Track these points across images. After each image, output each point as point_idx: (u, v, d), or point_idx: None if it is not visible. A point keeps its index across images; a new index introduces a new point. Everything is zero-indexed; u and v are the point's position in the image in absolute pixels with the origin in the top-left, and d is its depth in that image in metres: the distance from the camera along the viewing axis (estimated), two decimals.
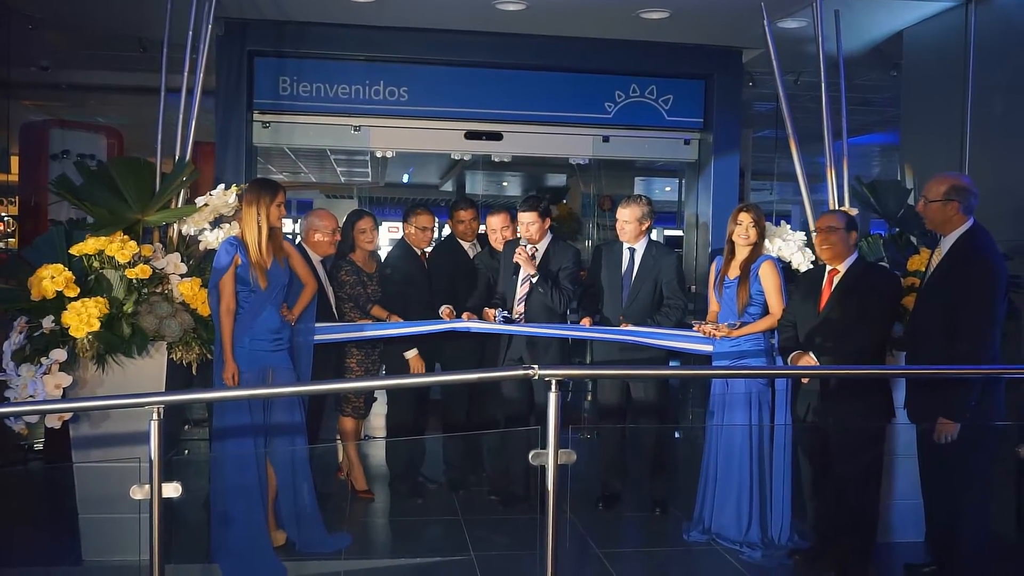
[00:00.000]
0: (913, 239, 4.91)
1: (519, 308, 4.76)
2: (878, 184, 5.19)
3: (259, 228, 3.97)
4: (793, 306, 4.22)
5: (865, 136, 10.64)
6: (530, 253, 4.74)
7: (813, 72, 5.28)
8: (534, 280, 4.67)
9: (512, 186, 12.55)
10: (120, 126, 7.55)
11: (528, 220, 4.74)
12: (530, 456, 2.77)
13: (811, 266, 4.64)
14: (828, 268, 4.08)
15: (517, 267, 4.75)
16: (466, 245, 5.28)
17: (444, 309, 4.81)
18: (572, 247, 4.97)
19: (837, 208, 4.75)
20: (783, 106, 4.97)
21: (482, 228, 5.34)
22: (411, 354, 4.91)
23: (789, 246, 4.70)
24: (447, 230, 5.48)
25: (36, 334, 3.88)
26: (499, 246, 5.03)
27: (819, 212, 4.84)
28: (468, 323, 4.66)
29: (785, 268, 4.60)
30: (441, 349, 5.09)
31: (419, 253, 5.13)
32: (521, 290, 4.77)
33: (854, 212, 4.68)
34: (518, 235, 4.94)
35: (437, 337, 4.92)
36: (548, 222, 4.85)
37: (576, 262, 4.84)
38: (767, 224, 4.55)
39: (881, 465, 4.08)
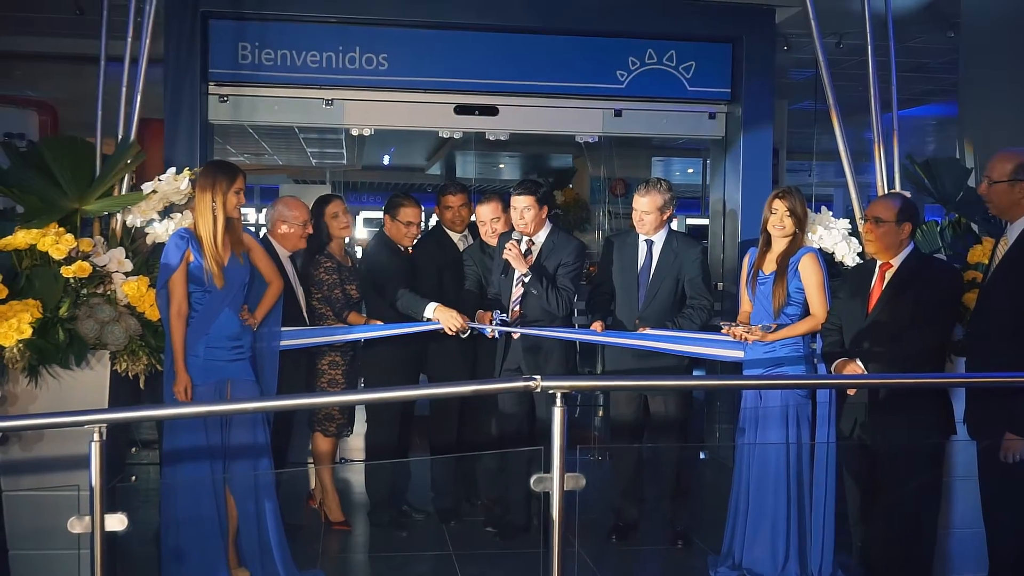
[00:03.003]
0: (974, 226, 4.92)
1: (516, 310, 4.76)
2: (933, 163, 5.20)
3: (214, 218, 3.97)
4: (839, 306, 4.23)
5: (918, 108, 10.66)
6: (524, 248, 4.74)
7: (858, 34, 5.29)
8: (526, 280, 4.67)
9: (509, 168, 12.58)
10: (54, 100, 7.56)
11: (523, 205, 4.72)
12: (532, 481, 2.78)
13: (857, 258, 4.64)
14: (879, 262, 4.09)
15: (503, 269, 4.76)
16: (455, 237, 5.27)
17: None
18: (575, 239, 4.97)
19: (891, 192, 4.75)
20: (823, 74, 4.97)
21: (473, 217, 5.33)
22: (431, 308, 4.75)
23: (832, 235, 4.71)
24: (434, 219, 5.47)
25: None
26: (491, 240, 5.02)
27: (865, 195, 4.86)
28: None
29: (828, 261, 4.61)
30: (426, 358, 5.10)
31: (402, 249, 5.13)
32: (516, 291, 4.77)
33: (907, 195, 4.69)
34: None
35: (421, 344, 4.94)
36: (546, 211, 4.84)
37: (579, 256, 4.84)
38: (806, 211, 4.55)
39: (940, 489, 4.08)
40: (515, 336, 4.73)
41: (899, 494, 3.92)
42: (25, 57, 8.13)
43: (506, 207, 5.02)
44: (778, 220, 4.40)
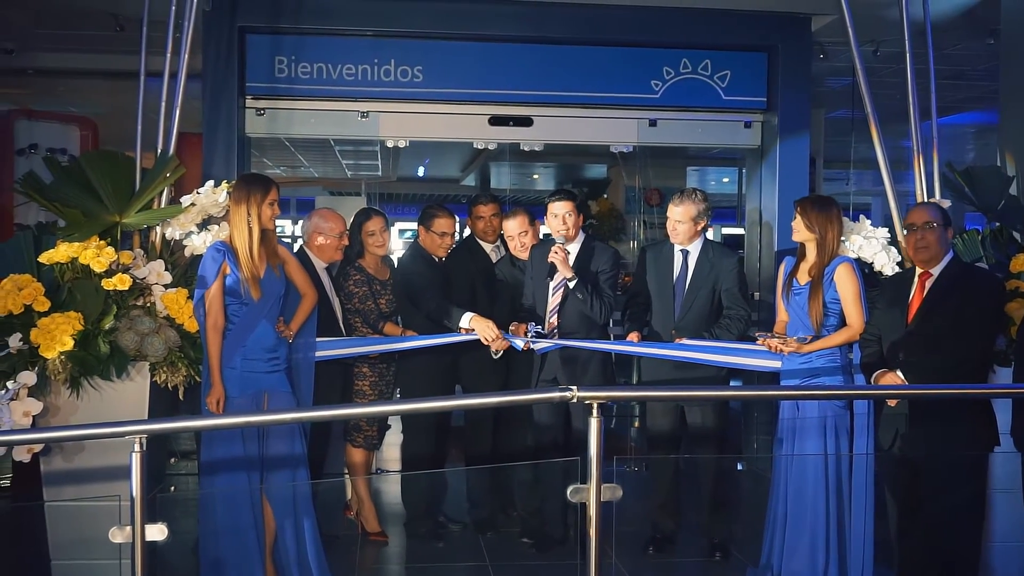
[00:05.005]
0: (1016, 235, 4.85)
1: (552, 321, 4.75)
2: (974, 171, 5.15)
3: (249, 231, 4.01)
4: (878, 317, 4.18)
5: (958, 115, 10.53)
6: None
7: (895, 41, 5.23)
8: (571, 285, 4.65)
9: (544, 179, 12.56)
10: (95, 116, 7.66)
11: (565, 211, 4.70)
12: (568, 492, 2.78)
13: (896, 269, 4.60)
14: (918, 271, 4.04)
15: (548, 272, 4.74)
16: (488, 247, 5.28)
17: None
18: (610, 248, 4.95)
19: (928, 200, 4.71)
20: (860, 81, 4.93)
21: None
22: (467, 318, 4.69)
23: (871, 245, 4.66)
24: (467, 230, 5.48)
25: (1, 354, 3.93)
26: (520, 253, 5.02)
27: (904, 204, 4.80)
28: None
29: (867, 271, 4.56)
30: (461, 369, 5.11)
31: (436, 260, 5.14)
32: (553, 300, 4.76)
33: (947, 204, 4.64)
34: (541, 237, 4.91)
35: (456, 355, 4.95)
36: (582, 219, 4.83)
37: (615, 264, 4.82)
38: (844, 220, 4.51)
39: (983, 501, 4.02)
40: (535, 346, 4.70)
41: (941, 506, 3.87)
42: (67, 73, 8.26)
43: (532, 220, 5.01)
44: (793, 224, 4.38)
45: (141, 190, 4.46)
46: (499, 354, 4.72)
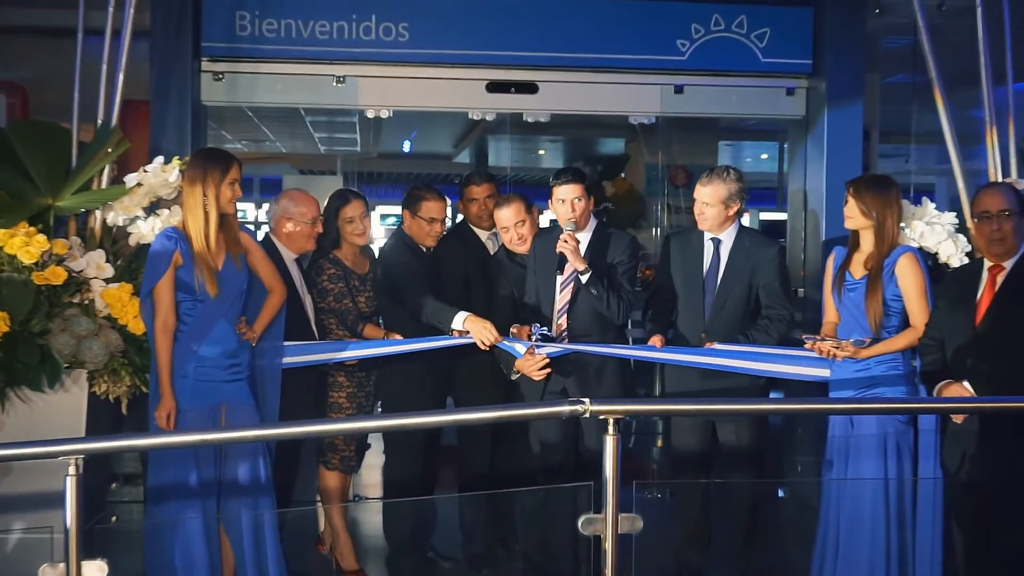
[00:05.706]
0: None
1: (560, 322, 4.73)
2: None
3: (206, 215, 4.00)
4: (940, 318, 4.17)
5: None
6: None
7: None
8: (584, 279, 4.63)
9: (551, 156, 12.60)
10: (24, 81, 7.65)
11: (574, 195, 4.67)
12: (580, 523, 2.77)
13: (965, 260, 4.59)
14: (988, 264, 4.03)
15: (555, 265, 4.72)
16: (483, 235, 5.27)
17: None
18: (626, 235, 4.93)
19: (1002, 180, 4.70)
20: (923, 41, 4.92)
21: None
22: (460, 318, 4.69)
23: (935, 232, 4.66)
24: (459, 215, 5.47)
25: None
26: (518, 248, 4.97)
27: (975, 185, 4.79)
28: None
29: (930, 263, 4.56)
30: (454, 378, 5.11)
31: (424, 250, 5.13)
32: (562, 297, 4.74)
33: (1022, 185, 4.63)
34: (542, 225, 4.90)
35: (448, 362, 4.95)
36: (592, 203, 4.81)
37: (634, 255, 4.81)
38: (904, 203, 4.50)
39: None
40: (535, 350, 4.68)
41: (1016, 537, 3.87)
42: None
43: (529, 207, 4.99)
44: (846, 210, 4.38)
45: (78, 168, 4.46)
46: (519, 374, 4.69)
